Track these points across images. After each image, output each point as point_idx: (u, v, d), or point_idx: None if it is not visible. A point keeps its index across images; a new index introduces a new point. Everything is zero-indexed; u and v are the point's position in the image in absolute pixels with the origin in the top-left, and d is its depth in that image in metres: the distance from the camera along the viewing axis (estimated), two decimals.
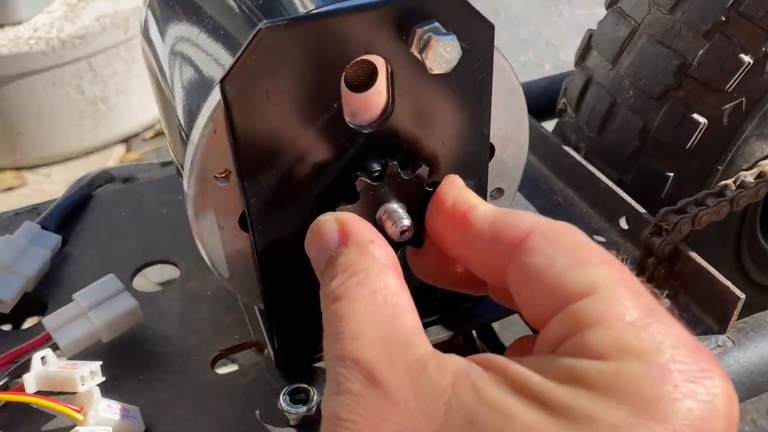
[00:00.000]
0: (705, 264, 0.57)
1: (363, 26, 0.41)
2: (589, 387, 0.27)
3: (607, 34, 0.75)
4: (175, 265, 0.68)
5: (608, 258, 0.33)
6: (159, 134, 2.40)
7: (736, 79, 0.66)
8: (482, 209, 0.41)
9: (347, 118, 0.44)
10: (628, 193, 0.75)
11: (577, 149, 0.80)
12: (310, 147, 0.44)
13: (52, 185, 2.20)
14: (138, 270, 0.68)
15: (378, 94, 0.45)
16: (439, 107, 0.46)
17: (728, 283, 0.55)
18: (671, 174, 0.72)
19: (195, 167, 0.44)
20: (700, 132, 0.69)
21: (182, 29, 0.54)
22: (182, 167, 0.50)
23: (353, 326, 0.33)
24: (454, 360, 0.31)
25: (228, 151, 0.43)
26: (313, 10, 0.43)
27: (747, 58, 0.65)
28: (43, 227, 0.69)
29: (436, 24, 0.42)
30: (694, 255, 0.58)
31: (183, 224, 0.72)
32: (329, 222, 0.41)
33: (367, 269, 0.36)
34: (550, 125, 0.92)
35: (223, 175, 0.45)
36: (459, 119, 0.47)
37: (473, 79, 0.46)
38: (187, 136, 0.47)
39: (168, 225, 0.73)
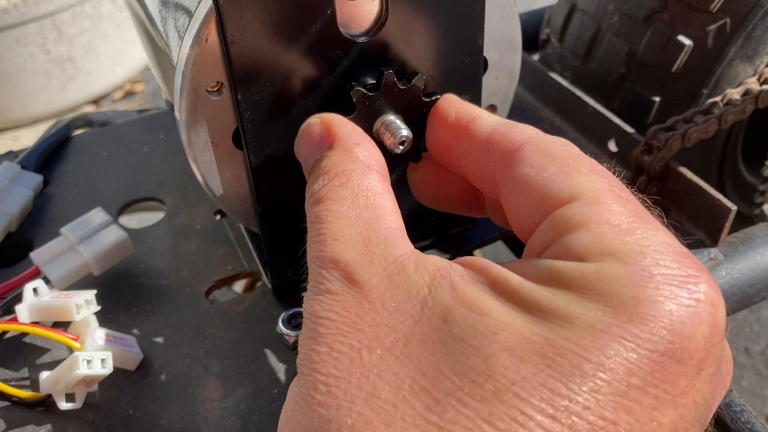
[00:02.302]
0: (696, 179, 0.57)
1: None
2: (568, 287, 0.27)
3: None
4: (161, 201, 0.67)
5: (598, 168, 0.33)
6: (128, 94, 2.35)
7: None
8: (485, 120, 0.40)
9: (341, 28, 0.43)
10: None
11: (562, 78, 0.80)
12: (304, 57, 0.43)
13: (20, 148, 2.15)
14: (124, 207, 0.67)
15: (371, 2, 0.44)
16: (433, 16, 0.45)
17: (719, 196, 0.55)
18: (657, 98, 0.72)
19: (187, 79, 0.42)
20: (685, 54, 0.69)
21: None
22: (164, 78, 0.49)
23: (334, 227, 0.33)
24: (433, 259, 0.31)
25: (220, 63, 0.42)
26: None
27: None
28: (23, 167, 0.67)
29: None
30: (685, 170, 0.58)
31: (166, 162, 0.72)
32: (316, 124, 0.41)
33: (349, 171, 0.36)
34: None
35: (216, 88, 0.43)
36: (453, 29, 0.46)
37: None
38: (170, 52, 0.46)
39: (151, 163, 0.71)
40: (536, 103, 0.74)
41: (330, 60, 0.44)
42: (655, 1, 0.68)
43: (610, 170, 0.34)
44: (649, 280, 0.26)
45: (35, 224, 0.65)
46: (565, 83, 0.70)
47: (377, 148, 0.40)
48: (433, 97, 0.47)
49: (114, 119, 0.87)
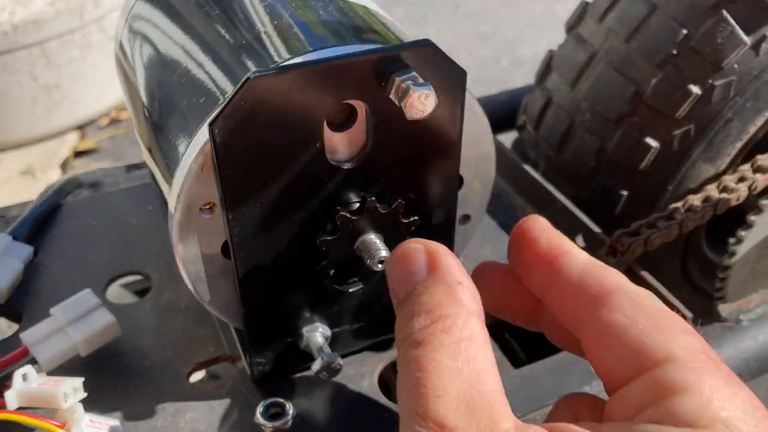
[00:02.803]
0: (657, 284, 0.61)
1: (346, 74, 0.44)
2: None
3: (567, 58, 0.79)
4: (147, 276, 0.70)
5: (687, 326, 0.35)
6: (114, 121, 2.37)
7: (686, 107, 0.70)
8: (576, 257, 0.40)
9: (328, 155, 0.47)
10: (584, 209, 0.79)
11: (536, 165, 0.84)
12: (292, 182, 0.46)
13: (3, 172, 2.16)
14: (111, 281, 0.69)
15: (357, 133, 0.47)
16: (413, 145, 0.49)
17: (677, 303, 0.59)
18: (625, 192, 0.76)
19: (181, 201, 0.46)
20: (652, 155, 0.73)
21: (168, 51, 0.56)
22: (161, 187, 0.52)
23: (435, 381, 0.32)
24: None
25: (213, 185, 0.45)
26: (300, 54, 0.46)
27: (696, 89, 0.70)
28: (14, 238, 0.70)
29: (414, 73, 0.44)
30: (646, 275, 0.62)
31: (153, 235, 0.74)
32: (418, 251, 0.39)
33: (453, 315, 0.34)
34: (510, 136, 0.95)
35: (208, 207, 0.47)
36: (432, 156, 0.50)
37: (446, 120, 0.49)
38: (169, 170, 0.49)
39: (138, 235, 0.74)
40: (510, 191, 0.77)
41: (316, 184, 0.47)
42: (625, 105, 0.73)
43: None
44: None
45: (24, 296, 0.67)
46: (537, 176, 0.74)
47: (476, 288, 0.38)
48: (411, 218, 0.50)
49: (103, 179, 0.89)
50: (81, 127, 2.33)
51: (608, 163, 0.75)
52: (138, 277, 0.93)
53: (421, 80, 0.44)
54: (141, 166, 0.93)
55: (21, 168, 2.16)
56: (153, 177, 0.58)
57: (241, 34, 0.50)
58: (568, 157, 0.79)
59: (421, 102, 0.44)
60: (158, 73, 0.55)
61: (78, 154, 2.24)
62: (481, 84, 2.32)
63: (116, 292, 0.84)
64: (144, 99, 0.57)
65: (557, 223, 0.72)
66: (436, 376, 0.32)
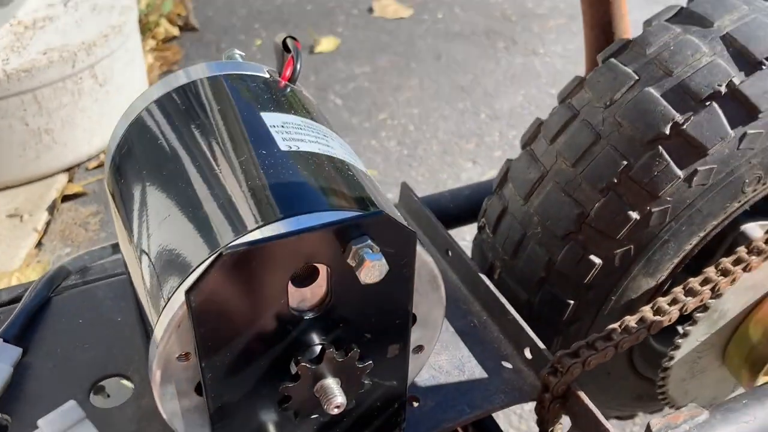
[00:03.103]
0: (591, 405, 0.67)
1: (309, 243, 0.50)
2: None
3: (521, 172, 0.86)
4: (129, 379, 0.75)
5: None
6: (102, 164, 2.42)
7: (626, 230, 0.77)
8: None
9: (292, 306, 0.53)
10: (535, 313, 0.86)
11: (493, 267, 0.90)
12: (259, 333, 0.53)
13: None
14: (95, 383, 0.74)
15: (319, 288, 0.54)
16: (370, 296, 0.55)
17: (609, 426, 0.66)
18: (572, 301, 0.83)
19: (160, 350, 0.52)
20: (595, 270, 0.80)
21: (152, 202, 0.61)
22: (145, 320, 0.58)
23: None
24: None
25: (189, 339, 0.52)
26: (267, 224, 0.52)
27: (635, 215, 0.77)
28: (5, 340, 0.75)
29: (369, 241, 0.51)
30: (582, 396, 0.68)
31: (136, 334, 0.80)
32: None
33: None
34: (473, 227, 1.02)
35: (185, 355, 0.53)
36: (387, 303, 0.56)
37: (400, 273, 0.55)
38: (152, 315, 0.55)
39: (123, 335, 0.79)
40: (468, 296, 0.84)
41: (280, 333, 0.54)
42: (571, 224, 0.80)
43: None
44: None
45: (12, 400, 0.72)
46: (491, 286, 0.80)
47: None
48: (366, 362, 0.56)
49: (89, 262, 0.95)
50: (69, 170, 2.38)
51: (556, 274, 0.82)
52: None
53: (375, 249, 0.50)
54: None
55: (8, 210, 2.21)
56: (138, 305, 0.64)
57: (224, 188, 0.56)
58: (521, 264, 0.85)
59: (374, 270, 0.50)
60: (145, 224, 0.61)
61: (65, 197, 2.28)
62: (460, 137, 2.40)
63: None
64: (133, 246, 0.63)
65: (510, 334, 0.79)
66: None
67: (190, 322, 0.50)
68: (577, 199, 0.79)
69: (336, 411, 0.54)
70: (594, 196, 0.78)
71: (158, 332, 0.52)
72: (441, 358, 0.77)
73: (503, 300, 0.78)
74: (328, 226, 0.50)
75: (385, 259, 0.51)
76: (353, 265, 0.51)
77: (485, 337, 0.80)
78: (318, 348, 0.55)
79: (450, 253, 0.88)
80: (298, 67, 0.72)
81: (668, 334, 0.92)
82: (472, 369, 0.76)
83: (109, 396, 0.87)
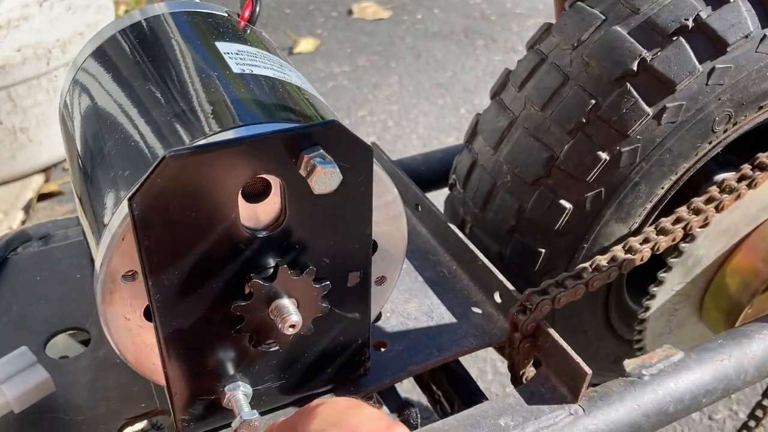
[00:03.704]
0: (561, 341, 0.65)
1: (258, 152, 0.48)
2: None
3: (490, 122, 0.84)
4: (86, 331, 0.72)
5: None
6: None
7: (596, 171, 0.76)
8: None
9: (244, 224, 0.51)
10: (507, 265, 0.84)
11: (464, 222, 0.89)
12: (209, 250, 0.50)
13: None
14: (51, 337, 0.72)
15: (272, 204, 0.52)
16: (327, 215, 0.53)
17: (579, 360, 0.63)
18: (543, 250, 0.81)
19: (104, 269, 0.49)
20: (566, 215, 0.78)
21: (101, 118, 0.60)
22: (87, 238, 0.56)
23: None
24: None
25: (134, 255, 0.49)
26: (214, 133, 0.50)
27: (604, 155, 0.75)
28: None
29: (321, 151, 0.49)
30: (552, 332, 0.66)
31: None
32: None
33: None
34: (445, 191, 1.00)
35: (130, 274, 0.50)
36: (345, 223, 0.54)
37: (355, 191, 0.53)
38: (96, 233, 0.52)
39: (82, 290, 0.77)
40: (438, 247, 0.82)
41: (233, 251, 0.51)
42: (540, 169, 0.78)
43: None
44: None
45: None
46: (460, 235, 0.78)
47: None
48: (323, 283, 0.54)
49: (53, 230, 0.92)
50: (46, 170, 2.35)
51: (527, 222, 0.80)
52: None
53: (327, 158, 0.48)
54: None
55: None
56: (83, 233, 0.62)
57: (174, 102, 0.54)
58: (491, 216, 0.83)
59: (326, 179, 0.48)
60: (90, 141, 0.59)
61: (42, 197, 2.25)
62: (440, 131, 2.39)
63: (63, 342, 0.86)
64: (80, 157, 0.61)
65: (479, 279, 0.77)
66: None
67: (134, 234, 0.48)
68: (546, 143, 0.78)
69: (291, 330, 0.52)
70: (563, 138, 0.77)
71: (102, 248, 0.49)
72: (409, 306, 0.75)
73: (472, 247, 0.77)
74: (277, 133, 0.48)
75: (341, 176, 0.49)
76: (305, 174, 0.49)
77: (455, 285, 0.78)
78: (272, 268, 0.53)
79: (420, 208, 0.86)
80: (257, 9, 0.71)
81: (645, 294, 0.90)
82: (440, 315, 0.74)
83: (65, 356, 0.84)
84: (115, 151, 0.55)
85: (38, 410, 0.63)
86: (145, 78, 0.58)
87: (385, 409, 0.93)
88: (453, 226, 0.79)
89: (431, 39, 2.97)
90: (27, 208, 2.20)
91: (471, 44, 2.91)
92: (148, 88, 0.57)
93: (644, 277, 0.91)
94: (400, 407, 0.97)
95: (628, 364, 0.69)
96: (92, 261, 0.57)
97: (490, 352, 1.52)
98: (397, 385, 0.78)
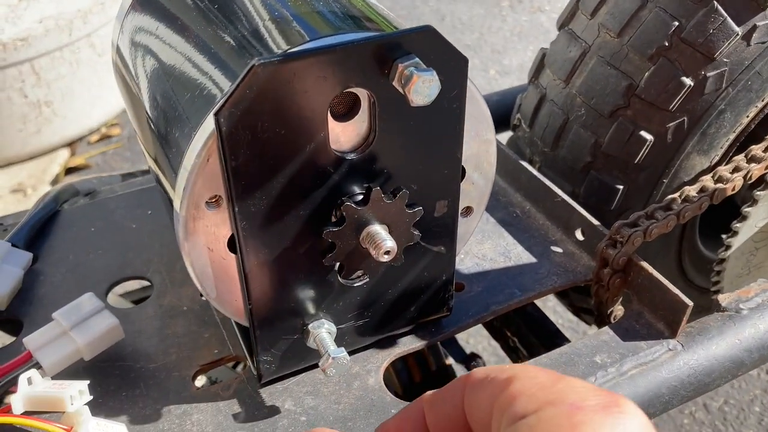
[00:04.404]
0: (656, 274, 0.61)
1: (348, 61, 0.44)
2: None
3: (560, 54, 0.79)
4: (148, 281, 0.69)
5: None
6: (104, 138, 2.36)
7: (679, 99, 0.71)
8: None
9: (333, 145, 0.47)
10: (580, 205, 0.80)
11: (531, 162, 0.84)
12: (297, 173, 0.46)
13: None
14: (112, 286, 0.69)
15: (361, 123, 0.48)
16: (417, 134, 0.49)
17: (678, 292, 0.59)
18: (621, 186, 0.77)
19: (187, 193, 0.46)
20: (647, 148, 0.74)
21: (167, 50, 0.56)
22: (167, 190, 0.52)
23: None
24: None
25: (219, 179, 0.46)
26: (301, 44, 0.46)
27: (688, 81, 0.70)
28: (13, 245, 0.69)
29: (417, 59, 0.45)
30: (646, 265, 0.62)
31: (154, 239, 0.74)
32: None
33: None
34: (503, 137, 0.96)
35: (214, 200, 0.47)
36: (435, 145, 0.50)
37: (449, 108, 0.49)
38: (173, 166, 0.49)
39: (139, 241, 0.74)
40: (507, 188, 0.78)
41: (321, 175, 0.47)
42: (619, 99, 0.73)
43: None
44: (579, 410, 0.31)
45: (25, 303, 0.66)
46: (534, 172, 0.74)
47: None
48: (415, 209, 0.50)
49: (99, 186, 0.89)
50: (71, 144, 2.32)
51: (604, 157, 0.76)
52: (136, 286, 0.93)
53: (423, 66, 0.44)
54: (136, 174, 0.93)
55: (11, 186, 2.15)
56: (157, 179, 0.58)
57: (239, 29, 0.51)
58: (563, 153, 0.79)
59: (424, 87, 0.44)
60: (158, 74, 0.56)
61: (69, 170, 2.23)
62: None
63: (114, 301, 0.83)
64: (146, 102, 0.57)
65: (557, 217, 0.73)
66: None
67: (220, 155, 0.44)
68: (624, 71, 0.73)
69: (386, 258, 0.48)
70: (643, 65, 0.72)
71: (183, 171, 0.46)
72: (484, 247, 0.71)
73: (549, 183, 0.72)
74: (370, 40, 0.44)
75: (440, 84, 0.45)
76: (400, 85, 0.45)
77: (530, 225, 0.74)
78: (363, 192, 0.49)
79: None
80: None
81: (719, 241, 0.86)
82: (518, 255, 0.70)
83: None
84: (188, 80, 0.51)
85: (108, 359, 0.60)
86: (207, 5, 0.54)
87: (450, 359, 0.90)
88: (525, 164, 0.75)
89: (455, 1, 2.91)
90: (54, 183, 2.18)
91: (496, 5, 2.85)
92: (213, 13, 0.53)
93: (715, 226, 0.87)
94: (467, 358, 0.94)
95: (723, 298, 0.65)
96: (170, 205, 0.53)
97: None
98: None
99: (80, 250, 0.72)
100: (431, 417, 0.40)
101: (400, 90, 0.45)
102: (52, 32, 2.10)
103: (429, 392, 0.41)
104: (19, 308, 0.66)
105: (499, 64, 2.47)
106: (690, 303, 0.59)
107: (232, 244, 0.49)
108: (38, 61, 2.10)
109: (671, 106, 0.72)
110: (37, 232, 0.74)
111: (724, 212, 0.88)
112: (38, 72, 2.11)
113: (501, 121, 0.96)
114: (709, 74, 0.70)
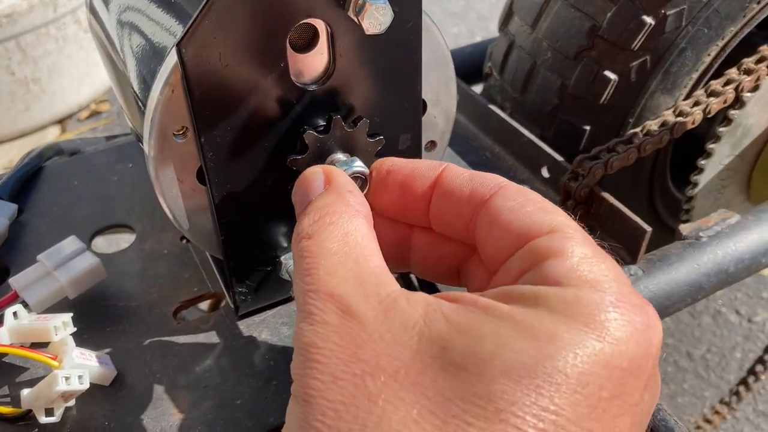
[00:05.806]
0: (617, 203, 0.64)
1: None
2: (552, 310, 0.31)
3: (527, 0, 0.81)
4: (130, 228, 0.72)
5: (567, 214, 0.38)
6: (94, 114, 2.37)
7: (641, 38, 0.73)
8: (456, 168, 0.43)
9: (293, 78, 0.49)
10: (550, 146, 0.82)
11: (503, 109, 0.87)
12: (260, 104, 0.49)
13: None
14: (95, 234, 0.71)
15: (320, 55, 0.50)
16: (375, 66, 0.51)
17: (637, 219, 0.62)
18: (587, 127, 0.79)
19: (155, 125, 0.48)
20: (611, 87, 0.76)
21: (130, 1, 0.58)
22: (140, 131, 0.54)
23: (326, 263, 0.35)
24: (422, 296, 0.34)
25: (185, 110, 0.48)
26: None
27: (649, 20, 0.72)
28: None
29: None
30: (607, 195, 0.65)
31: (135, 191, 0.76)
32: (317, 173, 0.44)
33: (339, 212, 0.38)
34: (477, 89, 0.98)
35: (181, 132, 0.49)
36: (394, 77, 0.52)
37: (405, 39, 0.51)
38: (143, 103, 0.51)
39: (120, 191, 0.76)
40: (478, 133, 0.80)
41: (284, 106, 0.50)
42: (583, 40, 0.75)
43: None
44: (618, 305, 0.31)
45: (11, 251, 0.69)
46: (502, 114, 0.76)
47: (364, 198, 0.42)
48: (377, 138, 0.53)
49: (83, 147, 0.91)
50: (60, 121, 2.34)
51: (570, 99, 0.78)
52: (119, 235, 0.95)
53: None
54: (120, 136, 0.95)
55: (2, 164, 2.17)
56: (132, 126, 0.60)
57: None
58: (532, 97, 0.81)
59: (378, 15, 0.46)
60: (128, 20, 0.57)
61: None
62: None
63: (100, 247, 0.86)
64: (118, 50, 0.59)
65: (524, 157, 0.75)
66: (325, 258, 0.35)
67: (183, 86, 0.46)
68: (587, 13, 0.75)
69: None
70: (605, 6, 0.74)
71: (150, 104, 0.48)
72: None
73: (516, 124, 0.75)
74: None
75: (392, 12, 0.47)
76: (354, 15, 0.47)
77: (499, 167, 0.76)
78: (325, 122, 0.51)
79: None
80: None
81: (688, 183, 0.88)
82: None
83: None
84: (155, 14, 0.53)
85: (91, 298, 0.63)
86: None
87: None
88: (494, 107, 0.77)
89: None
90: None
91: None
92: None
93: (688, 169, 0.89)
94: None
95: (684, 228, 0.68)
96: (140, 140, 0.55)
97: None
98: None
99: (64, 201, 0.75)
100: (436, 204, 0.44)
101: (355, 19, 0.47)
102: (36, 8, 2.10)
103: (450, 168, 0.44)
104: (5, 256, 0.68)
105: (486, 30, 2.48)
106: (648, 228, 0.62)
107: (201, 176, 0.51)
108: (24, 38, 2.11)
109: (633, 45, 0.74)
110: (22, 185, 0.76)
111: (695, 152, 0.90)
112: (24, 49, 2.12)
113: (475, 73, 0.98)
114: (668, 12, 0.72)
